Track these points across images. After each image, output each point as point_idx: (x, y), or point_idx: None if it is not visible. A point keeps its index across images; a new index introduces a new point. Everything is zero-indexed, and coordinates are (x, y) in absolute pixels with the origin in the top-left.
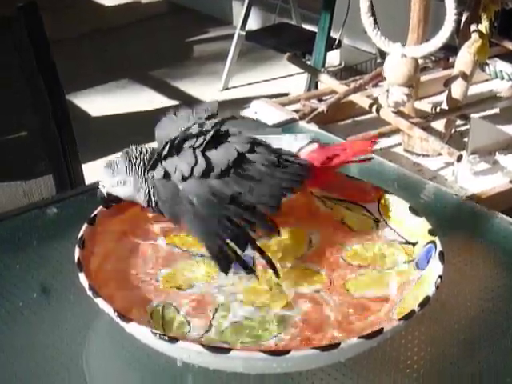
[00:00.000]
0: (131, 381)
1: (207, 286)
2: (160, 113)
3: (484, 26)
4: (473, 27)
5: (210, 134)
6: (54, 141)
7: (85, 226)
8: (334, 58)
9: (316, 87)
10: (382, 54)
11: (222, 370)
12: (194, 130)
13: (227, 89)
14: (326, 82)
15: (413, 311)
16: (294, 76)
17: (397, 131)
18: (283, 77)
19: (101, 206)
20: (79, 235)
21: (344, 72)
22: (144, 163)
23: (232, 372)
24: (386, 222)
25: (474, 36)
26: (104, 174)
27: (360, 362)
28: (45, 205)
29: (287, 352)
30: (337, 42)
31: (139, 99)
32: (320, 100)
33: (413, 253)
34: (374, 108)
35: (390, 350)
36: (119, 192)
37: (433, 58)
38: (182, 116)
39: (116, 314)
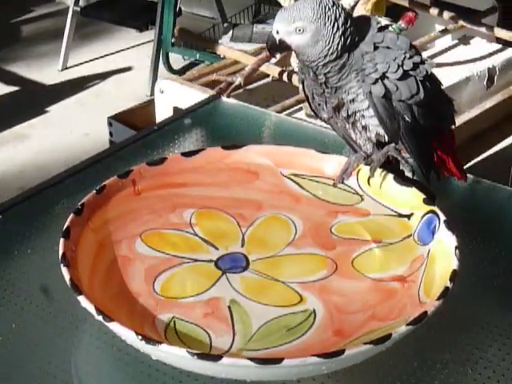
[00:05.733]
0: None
1: (209, 290)
2: None
3: None
4: None
5: (428, 69)
6: None
7: (61, 240)
8: None
9: (167, 59)
10: (223, 18)
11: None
12: (415, 58)
13: (67, 68)
14: (228, 53)
15: (447, 288)
16: (135, 49)
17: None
18: (123, 50)
19: (71, 216)
20: (60, 252)
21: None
22: (336, 16)
23: None
24: (368, 195)
25: None
26: (280, 18)
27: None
28: None
29: (342, 352)
30: (177, 9)
31: None
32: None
33: (409, 226)
34: (286, 75)
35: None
36: (294, 41)
37: None
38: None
39: (140, 337)
